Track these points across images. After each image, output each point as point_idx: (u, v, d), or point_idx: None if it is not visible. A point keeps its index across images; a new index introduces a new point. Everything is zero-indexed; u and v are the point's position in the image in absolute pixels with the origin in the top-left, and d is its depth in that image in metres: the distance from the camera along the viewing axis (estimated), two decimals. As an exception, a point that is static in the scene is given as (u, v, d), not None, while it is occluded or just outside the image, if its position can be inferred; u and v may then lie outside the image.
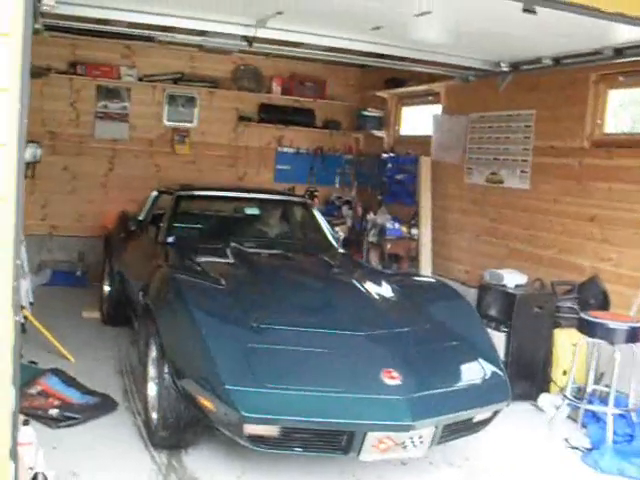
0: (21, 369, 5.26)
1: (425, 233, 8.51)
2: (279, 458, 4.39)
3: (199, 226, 6.82)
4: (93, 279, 8.63)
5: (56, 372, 5.43)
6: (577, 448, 5.09)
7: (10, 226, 2.45)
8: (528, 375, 5.97)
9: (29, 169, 6.28)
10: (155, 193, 7.15)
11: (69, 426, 4.77)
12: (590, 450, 4.99)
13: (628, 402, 5.24)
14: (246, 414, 3.72)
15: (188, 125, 9.91)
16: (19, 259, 2.56)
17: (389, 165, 9.36)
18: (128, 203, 8.24)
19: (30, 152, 5.96)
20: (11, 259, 2.48)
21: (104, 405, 5.12)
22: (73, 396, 5.13)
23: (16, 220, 2.44)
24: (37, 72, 8.64)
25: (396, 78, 9.28)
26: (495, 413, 4.47)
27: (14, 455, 2.78)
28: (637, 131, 6.57)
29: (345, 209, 10.17)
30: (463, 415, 4.19)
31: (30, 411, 4.72)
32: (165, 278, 4.88)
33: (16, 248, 2.50)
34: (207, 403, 3.92)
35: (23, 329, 6.45)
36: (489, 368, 4.51)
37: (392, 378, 4.00)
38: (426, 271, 8.32)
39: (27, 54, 2.45)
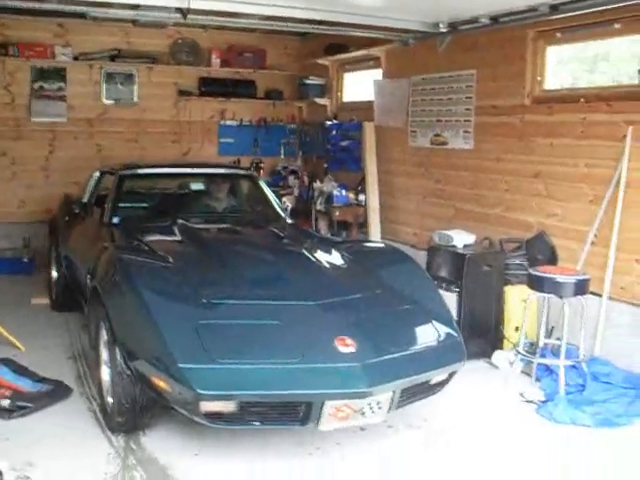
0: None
1: (372, 198, 8.52)
2: (237, 433, 4.38)
3: (145, 205, 6.72)
4: (40, 265, 8.48)
5: (6, 362, 5.31)
6: (532, 401, 5.17)
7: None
8: (481, 333, 6.03)
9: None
10: (97, 174, 7.01)
11: (22, 416, 4.68)
12: (544, 402, 5.08)
13: (579, 353, 5.34)
14: (201, 391, 3.68)
15: (128, 102, 9.73)
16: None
17: (333, 132, 9.34)
18: (71, 186, 8.15)
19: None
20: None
21: (58, 392, 5.04)
22: (25, 385, 5.03)
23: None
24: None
25: (336, 44, 9.23)
26: (452, 374, 4.50)
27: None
28: (577, 87, 6.61)
29: (291, 179, 10.14)
30: (420, 378, 4.21)
31: (-20, 403, 4.66)
32: (111, 259, 4.78)
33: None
34: (161, 383, 3.87)
35: (-30, 321, 6.34)
36: (443, 330, 4.53)
37: (346, 345, 3.99)
38: (375, 236, 8.35)
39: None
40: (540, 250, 6.21)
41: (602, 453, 4.43)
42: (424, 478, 4.08)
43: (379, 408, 3.98)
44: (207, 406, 3.78)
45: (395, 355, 4.10)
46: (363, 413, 3.94)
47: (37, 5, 6.89)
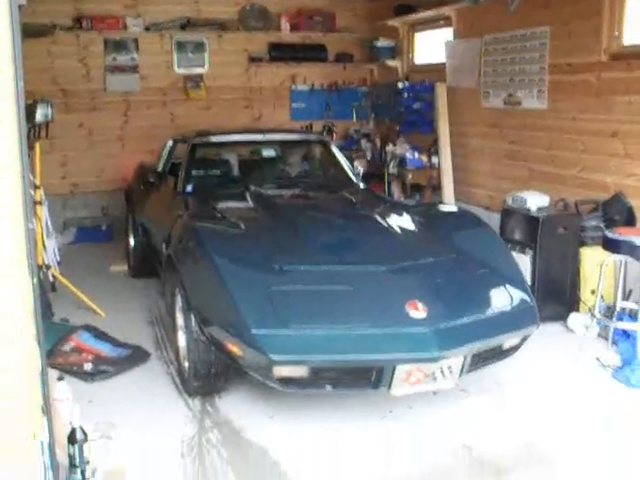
0: (53, 327, 5.46)
1: (445, 161, 8.42)
2: (310, 396, 4.45)
3: (217, 172, 6.77)
4: (118, 233, 8.66)
5: (88, 328, 5.50)
6: (608, 366, 5.07)
7: (18, 190, 2.44)
8: (556, 296, 5.94)
9: (42, 129, 6.25)
10: (171, 142, 7.10)
11: (103, 379, 4.87)
12: (621, 367, 4.98)
13: (657, 317, 5.21)
14: (274, 357, 3.74)
15: (199, 71, 9.81)
16: (31, 223, 2.56)
17: (405, 95, 9.19)
18: (146, 154, 8.24)
19: (41, 112, 5.91)
20: (22, 223, 2.48)
21: (137, 356, 5.20)
22: (105, 350, 5.21)
23: (22, 183, 2.43)
24: (42, 30, 8.60)
25: (405, 5, 9.11)
26: (524, 338, 4.46)
27: (47, 411, 2.83)
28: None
29: (364, 142, 10.05)
30: (491, 343, 4.19)
31: (65, 367, 4.84)
32: (185, 227, 4.88)
33: (26, 212, 2.50)
34: (235, 349, 3.94)
35: (53, 288, 6.58)
36: (516, 294, 4.48)
37: (417, 310, 3.99)
38: (449, 199, 8.26)
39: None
40: (617, 211, 6.03)
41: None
42: (497, 442, 4.06)
43: (450, 372, 3.98)
44: (280, 371, 3.85)
45: (467, 319, 4.08)
46: (434, 378, 3.95)
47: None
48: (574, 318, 5.84)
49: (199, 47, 9.72)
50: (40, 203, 6.49)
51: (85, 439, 3.63)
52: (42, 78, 8.58)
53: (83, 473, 3.59)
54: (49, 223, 7.12)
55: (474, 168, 8.36)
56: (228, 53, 9.87)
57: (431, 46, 9.47)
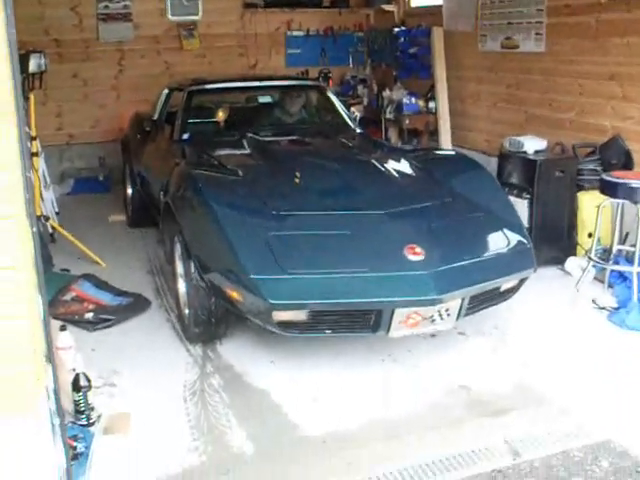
0: (54, 277, 5.49)
1: (442, 106, 8.37)
2: (310, 342, 4.51)
3: (214, 120, 6.72)
4: (116, 183, 8.67)
5: (88, 277, 5.53)
6: (604, 308, 5.13)
7: (15, 139, 2.44)
8: (554, 240, 5.97)
9: (37, 80, 6.20)
10: (166, 91, 7.05)
11: (105, 327, 4.92)
12: (617, 309, 5.03)
13: (654, 260, 5.24)
14: (273, 301, 3.78)
15: (193, 18, 9.67)
16: (29, 172, 2.57)
17: (401, 39, 9.17)
18: (141, 103, 8.18)
19: (34, 62, 5.86)
20: (20, 172, 2.48)
21: (138, 304, 5.24)
22: (106, 298, 5.25)
23: (19, 132, 2.43)
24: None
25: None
26: (522, 281, 4.50)
27: (50, 358, 2.87)
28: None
29: (360, 88, 10.01)
30: (489, 285, 4.23)
31: (67, 317, 4.88)
32: (182, 175, 4.88)
33: (24, 161, 2.50)
34: (235, 294, 3.98)
35: (52, 239, 6.60)
36: (513, 237, 4.50)
37: (415, 254, 4.02)
38: (446, 144, 8.24)
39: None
40: (615, 155, 6.03)
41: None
42: (494, 382, 4.13)
43: (448, 315, 4.02)
44: (279, 315, 3.89)
45: (464, 262, 4.12)
46: (433, 320, 4.00)
47: None
48: (571, 261, 5.87)
49: (193, -7, 9.58)
50: (36, 154, 6.48)
51: (89, 385, 3.71)
52: (33, 28, 8.46)
53: (88, 418, 3.68)
54: (46, 174, 7.13)
55: (471, 113, 8.32)
56: (222, -1, 9.74)
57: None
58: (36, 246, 2.64)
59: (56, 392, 2.92)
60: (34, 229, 2.62)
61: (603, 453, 3.49)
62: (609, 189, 5.20)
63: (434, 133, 8.55)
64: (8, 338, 2.60)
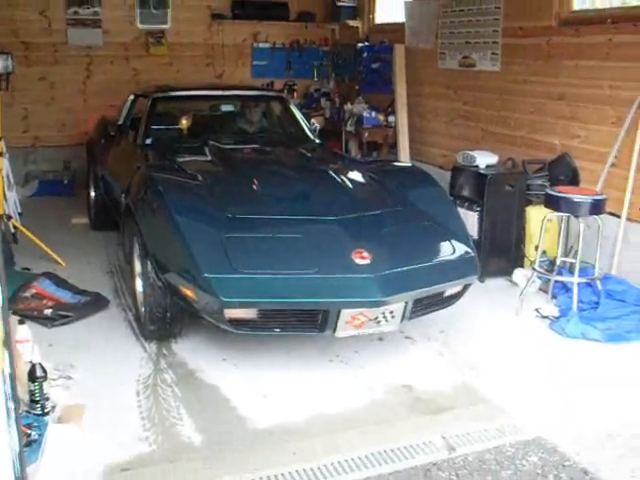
0: (15, 275, 5.58)
1: (402, 120, 8.60)
2: (262, 343, 4.69)
3: (177, 127, 6.89)
4: (80, 186, 8.75)
5: (48, 275, 5.63)
6: (547, 317, 5.35)
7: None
8: (502, 252, 6.20)
9: (2, 81, 6.30)
10: (132, 97, 7.18)
11: (63, 324, 5.03)
12: (558, 318, 5.26)
13: (594, 272, 5.49)
14: (225, 299, 3.94)
15: (162, 27, 9.83)
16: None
17: (365, 54, 9.36)
18: (108, 109, 8.29)
19: (1, 63, 5.97)
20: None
21: (96, 303, 5.37)
22: (66, 296, 5.36)
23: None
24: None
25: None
26: (465, 288, 4.69)
27: (8, 345, 3.00)
28: (605, 6, 6.57)
29: (323, 101, 10.22)
30: (432, 290, 4.41)
31: (26, 313, 4.97)
32: (143, 177, 5.02)
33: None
34: (189, 293, 4.14)
35: (14, 239, 6.67)
36: (458, 246, 4.69)
37: (362, 258, 4.20)
38: (404, 157, 8.46)
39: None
40: (563, 171, 6.28)
41: (608, 365, 4.64)
42: (436, 383, 4.33)
43: (392, 317, 4.21)
44: (231, 313, 4.05)
45: (409, 267, 4.30)
46: (378, 322, 4.18)
47: None
48: (518, 273, 6.09)
49: (162, 2, 9.71)
50: (1, 154, 6.56)
51: (45, 376, 3.83)
52: (1, 30, 8.58)
53: (43, 408, 3.78)
54: (10, 175, 7.19)
55: (430, 128, 8.57)
56: (191, 9, 9.90)
57: (392, 6, 9.58)
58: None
59: (12, 377, 3.05)
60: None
61: (534, 449, 3.70)
62: (552, 203, 5.42)
63: (393, 146, 8.76)
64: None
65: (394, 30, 9.09)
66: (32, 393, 3.78)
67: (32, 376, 3.77)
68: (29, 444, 3.45)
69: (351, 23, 10.08)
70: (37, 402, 3.77)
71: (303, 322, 4.18)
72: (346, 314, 4.06)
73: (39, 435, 3.58)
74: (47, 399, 3.84)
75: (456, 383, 4.35)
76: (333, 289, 4.09)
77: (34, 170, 9.38)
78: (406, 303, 4.21)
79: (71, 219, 7.94)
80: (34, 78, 9.16)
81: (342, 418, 3.93)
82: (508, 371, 4.53)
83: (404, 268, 4.27)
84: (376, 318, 4.15)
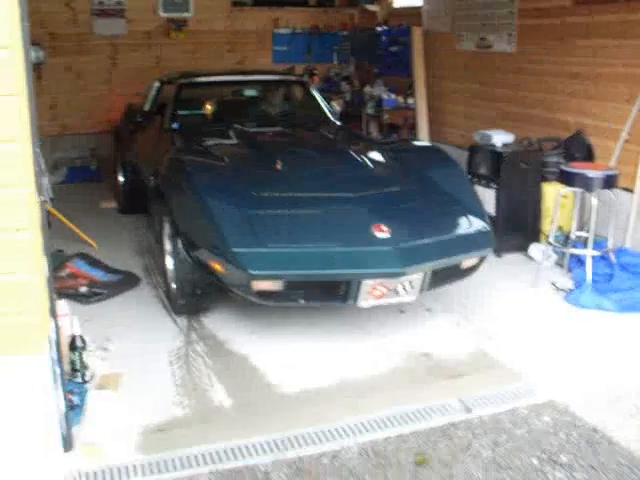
0: (51, 257, 5.81)
1: (421, 102, 8.77)
2: (287, 316, 4.92)
3: (202, 112, 7.08)
4: (107, 172, 8.99)
5: (82, 256, 5.90)
6: (562, 290, 5.53)
7: (26, 121, 2.81)
8: (519, 228, 6.36)
9: (34, 71, 6.53)
10: (157, 83, 7.41)
11: (98, 301, 5.29)
12: (573, 290, 5.44)
13: (607, 245, 5.64)
14: (253, 272, 4.15)
15: (184, 15, 10.05)
16: (37, 147, 2.94)
17: (383, 38, 9.55)
18: (133, 96, 8.50)
19: (32, 54, 6.19)
20: (30, 146, 2.86)
21: (128, 281, 5.62)
22: (99, 275, 5.63)
23: (30, 115, 2.81)
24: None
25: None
26: (481, 260, 4.87)
27: (54, 314, 3.25)
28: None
29: (344, 84, 10.40)
30: (450, 262, 4.59)
31: (62, 291, 5.19)
32: (172, 160, 5.25)
33: (33, 134, 2.87)
34: (218, 267, 4.35)
35: (48, 225, 6.89)
36: (474, 221, 4.85)
37: (382, 232, 4.39)
38: (424, 138, 8.63)
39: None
40: (577, 149, 6.43)
41: (620, 333, 4.83)
42: (454, 351, 4.54)
43: (412, 288, 4.40)
44: (258, 285, 4.26)
45: (426, 240, 4.49)
46: (397, 292, 4.37)
47: None
48: (535, 247, 6.26)
49: (184, -9, 9.93)
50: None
51: (84, 347, 4.09)
52: (30, 21, 8.77)
53: (83, 376, 4.05)
54: (41, 161, 7.43)
55: (448, 109, 8.73)
56: (212, -3, 10.11)
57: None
58: (42, 212, 3.02)
59: (58, 344, 3.30)
60: (40, 198, 3.01)
61: (546, 410, 3.89)
62: (567, 179, 5.58)
63: (413, 128, 8.93)
64: (21, 290, 2.96)
65: (412, 14, 9.24)
66: (73, 363, 4.04)
67: (72, 346, 4.03)
68: (72, 408, 3.71)
69: (370, 7, 10.23)
70: (77, 371, 4.04)
71: (326, 293, 4.38)
72: (367, 285, 4.26)
73: (80, 401, 3.84)
74: (86, 368, 4.10)
75: (473, 351, 4.56)
76: (354, 261, 4.29)
77: (62, 157, 9.64)
78: (425, 274, 4.40)
79: (100, 204, 8.18)
80: (61, 68, 9.43)
81: (364, 383, 4.15)
82: (523, 339, 4.72)
83: (422, 241, 4.46)
84: (395, 288, 4.34)
